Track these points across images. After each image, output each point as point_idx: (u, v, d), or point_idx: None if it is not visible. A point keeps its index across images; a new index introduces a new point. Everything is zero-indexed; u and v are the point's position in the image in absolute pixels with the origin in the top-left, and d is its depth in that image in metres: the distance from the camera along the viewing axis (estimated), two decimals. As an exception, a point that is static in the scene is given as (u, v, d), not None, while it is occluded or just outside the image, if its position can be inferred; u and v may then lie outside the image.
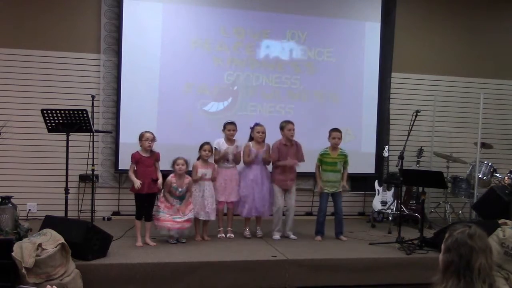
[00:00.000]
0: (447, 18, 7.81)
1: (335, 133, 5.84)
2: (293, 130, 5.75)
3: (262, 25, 7.08)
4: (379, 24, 7.46)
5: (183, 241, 5.36)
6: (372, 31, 7.44)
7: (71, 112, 5.07)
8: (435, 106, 7.51)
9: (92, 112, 5.69)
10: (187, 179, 5.37)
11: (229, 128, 5.73)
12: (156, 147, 5.33)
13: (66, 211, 5.12)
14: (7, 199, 4.92)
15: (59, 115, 5.08)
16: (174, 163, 5.30)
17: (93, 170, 5.73)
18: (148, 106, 6.69)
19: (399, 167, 5.83)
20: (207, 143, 5.56)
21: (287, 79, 7.18)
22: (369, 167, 7.40)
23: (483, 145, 7.07)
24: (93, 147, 5.68)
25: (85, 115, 5.09)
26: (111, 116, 6.67)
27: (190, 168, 5.46)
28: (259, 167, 5.75)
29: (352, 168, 5.97)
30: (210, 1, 6.95)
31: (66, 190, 5.08)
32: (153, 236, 5.34)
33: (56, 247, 4.08)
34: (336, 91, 7.33)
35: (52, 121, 5.11)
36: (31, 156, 6.45)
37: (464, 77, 7.85)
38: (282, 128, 5.80)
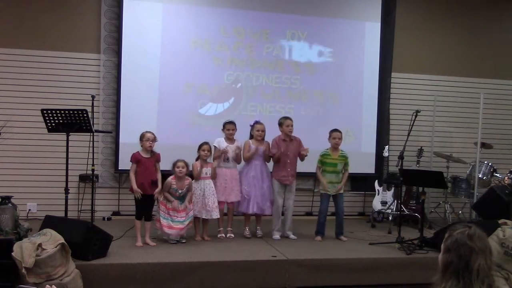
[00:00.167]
0: (447, 18, 7.81)
1: (335, 134, 5.84)
2: (292, 126, 5.77)
3: (262, 25, 7.08)
4: (379, 24, 7.46)
5: (183, 241, 5.37)
6: (372, 31, 7.44)
7: (71, 112, 5.07)
8: (435, 106, 7.51)
9: (92, 112, 5.69)
10: (187, 180, 5.37)
11: (229, 127, 5.74)
12: (156, 147, 5.33)
13: (66, 211, 5.12)
14: (7, 199, 4.92)
15: (59, 115, 5.08)
16: (175, 165, 5.30)
17: (93, 170, 5.73)
18: (148, 106, 6.69)
19: (399, 167, 5.83)
20: (206, 143, 5.57)
21: (287, 79, 7.18)
22: (369, 167, 7.40)
23: (483, 145, 7.07)
24: (93, 147, 5.68)
25: (85, 115, 5.09)
26: (111, 116, 6.68)
27: (190, 169, 5.46)
28: (259, 164, 5.77)
29: (352, 168, 5.97)
30: (210, 1, 6.95)
31: (66, 190, 5.08)
32: (153, 236, 5.35)
33: (56, 247, 4.08)
34: (336, 91, 7.34)
35: (52, 121, 5.11)
36: (31, 156, 6.45)
37: (464, 77, 7.85)
38: (280, 124, 5.82)
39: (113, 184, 6.73)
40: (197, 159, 5.57)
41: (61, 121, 5.09)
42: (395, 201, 6.59)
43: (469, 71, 7.86)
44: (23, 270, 3.89)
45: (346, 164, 5.85)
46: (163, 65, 6.74)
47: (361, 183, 7.39)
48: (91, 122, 5.25)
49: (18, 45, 6.47)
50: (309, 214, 7.18)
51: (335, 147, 5.84)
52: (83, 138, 5.70)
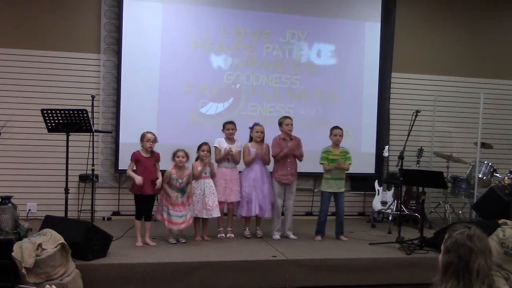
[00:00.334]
0: (447, 18, 7.81)
1: (336, 131, 5.85)
2: (291, 125, 5.78)
3: (262, 25, 7.08)
4: (379, 24, 7.46)
5: (183, 241, 5.37)
6: (372, 31, 7.43)
7: (71, 112, 5.07)
8: (435, 106, 7.51)
9: (92, 112, 5.68)
10: (187, 170, 5.37)
11: (228, 127, 5.74)
12: (156, 147, 5.33)
13: (66, 211, 5.12)
14: (7, 199, 4.92)
15: (59, 115, 5.08)
16: (175, 155, 5.31)
17: (93, 170, 5.73)
18: (148, 106, 6.69)
19: (399, 167, 5.83)
20: (206, 143, 5.56)
21: (287, 79, 7.18)
22: (369, 167, 7.40)
23: (483, 145, 7.07)
24: (93, 147, 5.67)
25: (85, 115, 5.09)
26: (111, 116, 6.68)
27: (190, 163, 5.46)
28: (259, 167, 5.76)
29: (352, 168, 5.97)
30: (210, 1, 6.95)
31: (66, 190, 5.08)
32: (153, 236, 5.34)
33: (56, 247, 4.08)
34: (336, 91, 7.34)
35: (52, 121, 5.11)
36: (31, 156, 6.45)
37: (464, 77, 7.85)
38: (280, 123, 5.84)
39: (113, 184, 6.73)
40: (196, 159, 5.56)
41: (61, 121, 5.09)
42: (395, 201, 6.59)
43: (469, 71, 7.86)
44: (23, 270, 3.89)
45: (348, 159, 5.84)
46: (163, 65, 6.74)
47: (361, 183, 7.39)
48: (91, 122, 5.25)
49: (18, 45, 6.47)
50: (309, 214, 7.18)
51: (336, 144, 5.85)
52: (83, 138, 5.70)
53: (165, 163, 5.41)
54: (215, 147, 5.69)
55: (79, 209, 6.15)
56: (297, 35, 7.22)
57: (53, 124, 5.12)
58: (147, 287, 4.46)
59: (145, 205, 5.23)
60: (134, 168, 5.22)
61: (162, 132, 5.83)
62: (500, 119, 7.93)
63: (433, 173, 5.89)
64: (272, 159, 5.85)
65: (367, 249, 5.45)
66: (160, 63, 6.74)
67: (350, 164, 5.85)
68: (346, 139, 6.17)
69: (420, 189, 6.04)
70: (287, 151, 5.70)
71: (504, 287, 4.04)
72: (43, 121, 5.12)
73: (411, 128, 5.85)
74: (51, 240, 4.15)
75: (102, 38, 6.65)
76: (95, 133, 5.59)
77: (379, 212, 6.93)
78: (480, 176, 6.84)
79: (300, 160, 5.88)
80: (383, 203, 6.79)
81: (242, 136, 5.88)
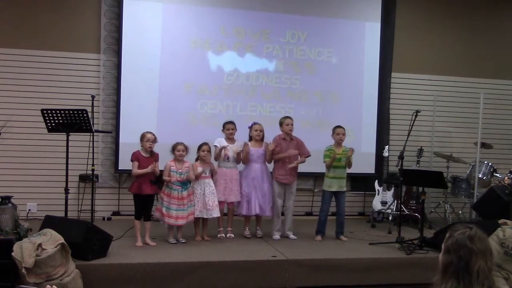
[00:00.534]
0: (447, 18, 7.81)
1: (339, 130, 5.85)
2: (291, 125, 5.78)
3: (262, 25, 7.08)
4: (379, 24, 7.46)
5: (183, 241, 5.37)
6: (372, 31, 7.43)
7: (71, 112, 5.07)
8: (435, 106, 7.51)
9: (92, 112, 5.68)
10: (187, 163, 5.37)
11: (228, 127, 5.74)
12: (156, 147, 5.33)
13: (66, 211, 5.12)
14: (7, 199, 4.91)
15: (59, 115, 5.08)
16: (174, 148, 5.32)
17: (93, 170, 5.72)
18: (148, 106, 6.69)
19: (399, 167, 5.83)
20: (206, 143, 5.57)
21: (287, 79, 7.18)
22: (369, 167, 7.40)
23: (483, 145, 7.07)
24: (93, 147, 5.67)
25: (85, 115, 5.09)
26: (111, 116, 6.68)
27: (190, 158, 5.47)
28: (259, 165, 5.76)
29: (352, 168, 5.96)
30: (210, 1, 6.94)
31: (66, 190, 5.08)
32: (153, 236, 5.34)
33: (56, 247, 4.08)
34: (336, 91, 7.34)
35: (52, 121, 5.11)
36: (31, 156, 6.45)
37: (464, 77, 7.85)
38: (281, 123, 5.85)
39: (113, 184, 6.73)
40: (196, 160, 5.56)
41: (61, 121, 5.09)
42: (395, 201, 6.59)
43: (469, 71, 7.86)
44: (23, 270, 3.89)
45: (350, 156, 5.82)
46: (163, 65, 6.74)
47: (361, 183, 7.39)
48: (91, 122, 5.25)
49: (18, 45, 6.47)
50: (309, 214, 7.18)
51: (339, 143, 5.85)
52: (83, 138, 5.70)
53: (165, 163, 5.39)
54: (215, 146, 5.69)
55: (79, 209, 6.15)
56: (297, 35, 7.22)
57: (53, 124, 5.12)
58: (147, 287, 4.46)
59: (144, 205, 5.23)
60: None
61: (162, 132, 5.83)
62: (500, 119, 7.93)
63: (433, 173, 5.89)
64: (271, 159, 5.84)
65: (367, 249, 5.45)
66: (160, 63, 6.74)
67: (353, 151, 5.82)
68: (346, 138, 6.15)
69: (420, 189, 6.04)
70: (286, 155, 5.69)
71: (504, 287, 4.04)
72: (43, 121, 5.12)
73: (411, 128, 5.85)
74: (51, 240, 4.15)
75: (102, 38, 6.65)
76: (95, 133, 5.59)
77: (379, 212, 6.93)
78: (480, 176, 6.84)
79: (304, 160, 5.85)
80: (383, 203, 6.79)
81: (242, 136, 5.88)
